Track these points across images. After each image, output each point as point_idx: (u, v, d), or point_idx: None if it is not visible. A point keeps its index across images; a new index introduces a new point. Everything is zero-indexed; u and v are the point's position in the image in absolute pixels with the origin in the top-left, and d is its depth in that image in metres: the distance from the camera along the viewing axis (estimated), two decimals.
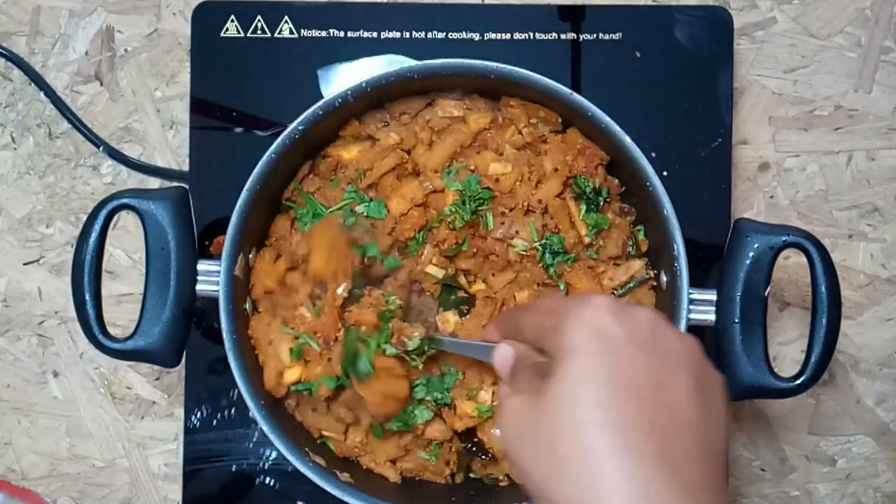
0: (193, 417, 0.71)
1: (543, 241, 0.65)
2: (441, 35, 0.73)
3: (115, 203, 0.61)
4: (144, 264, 0.61)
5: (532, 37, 0.73)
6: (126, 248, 0.76)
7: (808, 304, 0.60)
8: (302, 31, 0.73)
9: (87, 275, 0.59)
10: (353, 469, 0.64)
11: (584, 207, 0.65)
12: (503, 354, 0.51)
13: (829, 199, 0.76)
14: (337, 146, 0.67)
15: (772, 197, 0.76)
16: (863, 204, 0.76)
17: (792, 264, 0.74)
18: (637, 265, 0.66)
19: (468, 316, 0.65)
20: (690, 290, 0.60)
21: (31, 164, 0.77)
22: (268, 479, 0.71)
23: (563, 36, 0.73)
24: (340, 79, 0.72)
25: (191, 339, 0.62)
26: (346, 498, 0.59)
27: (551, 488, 0.39)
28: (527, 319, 0.49)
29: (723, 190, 0.72)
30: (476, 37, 0.73)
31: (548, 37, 0.73)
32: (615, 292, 0.65)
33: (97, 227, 0.60)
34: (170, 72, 0.77)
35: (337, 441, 0.65)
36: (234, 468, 0.71)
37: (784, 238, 0.60)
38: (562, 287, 0.65)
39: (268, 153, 0.61)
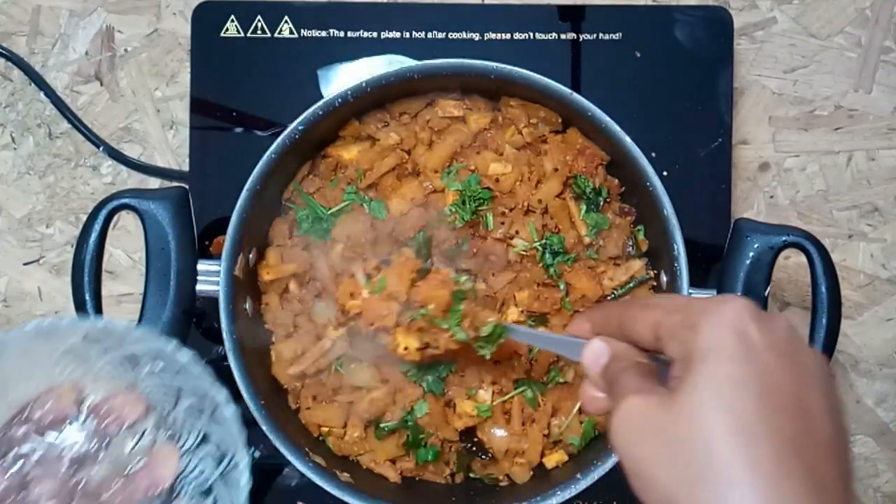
0: None
1: (543, 241, 0.65)
2: (441, 35, 0.73)
3: (115, 203, 0.61)
4: (144, 264, 0.61)
5: (532, 37, 0.73)
6: (126, 248, 0.76)
7: (808, 304, 0.60)
8: (302, 31, 0.73)
9: (87, 275, 0.59)
10: (353, 469, 0.64)
11: (584, 207, 0.65)
12: (597, 351, 0.46)
13: (829, 199, 0.76)
14: (337, 146, 0.67)
15: (772, 197, 0.76)
16: (863, 204, 0.76)
17: (792, 264, 0.74)
18: (637, 265, 0.66)
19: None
20: (690, 290, 0.60)
21: (31, 164, 0.77)
22: (267, 478, 0.71)
23: (563, 36, 0.73)
24: (340, 79, 0.72)
25: (191, 339, 0.62)
26: (346, 498, 0.59)
27: (680, 496, 0.37)
28: (639, 316, 0.45)
29: (723, 190, 0.72)
30: (476, 37, 0.73)
31: (548, 37, 0.73)
32: (615, 292, 0.65)
33: (97, 227, 0.60)
34: (170, 72, 0.77)
35: (336, 439, 0.65)
36: None
37: (784, 238, 0.60)
38: (562, 287, 0.65)
39: (268, 153, 0.61)
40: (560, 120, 0.66)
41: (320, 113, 0.62)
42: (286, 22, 0.73)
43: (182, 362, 0.54)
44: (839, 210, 0.76)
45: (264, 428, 0.60)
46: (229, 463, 0.54)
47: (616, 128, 0.61)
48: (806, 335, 0.59)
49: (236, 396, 0.68)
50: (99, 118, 0.77)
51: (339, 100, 0.62)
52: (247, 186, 0.61)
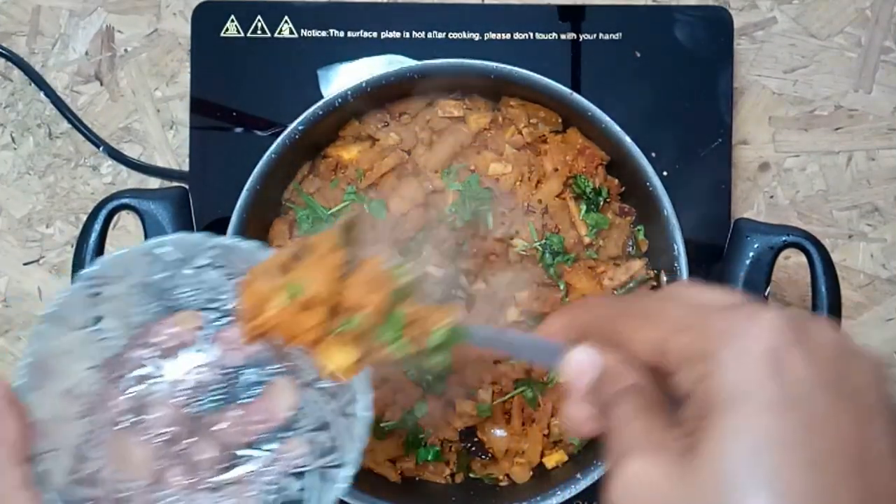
0: None
1: (543, 241, 0.65)
2: (441, 35, 0.73)
3: (115, 203, 0.61)
4: None
5: (532, 37, 0.73)
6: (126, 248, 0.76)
7: (808, 304, 0.60)
8: (302, 31, 0.73)
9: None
10: None
11: (584, 207, 0.65)
12: (583, 363, 0.36)
13: (829, 199, 0.76)
14: (337, 146, 0.67)
15: (772, 197, 0.76)
16: (863, 204, 0.76)
17: (792, 264, 0.74)
18: (637, 265, 0.66)
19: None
20: None
21: (31, 164, 0.77)
22: None
23: (563, 36, 0.73)
24: (340, 79, 0.72)
25: None
26: (346, 498, 0.59)
27: None
28: (638, 328, 0.34)
29: (723, 190, 0.72)
30: (476, 37, 0.73)
31: (548, 37, 0.73)
32: (615, 292, 0.65)
33: (97, 227, 0.60)
34: (170, 72, 0.77)
35: None
36: None
37: (784, 238, 0.60)
38: (562, 287, 0.65)
39: (268, 153, 0.61)
40: (560, 120, 0.66)
41: (320, 113, 0.62)
42: (286, 22, 0.73)
43: None
44: (839, 210, 0.76)
45: None
46: (336, 460, 0.49)
47: (616, 128, 0.61)
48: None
49: None
50: (99, 118, 0.77)
51: (339, 100, 0.62)
52: (247, 186, 0.61)
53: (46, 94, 0.76)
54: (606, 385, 0.36)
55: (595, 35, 0.73)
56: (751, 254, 0.60)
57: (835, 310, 0.59)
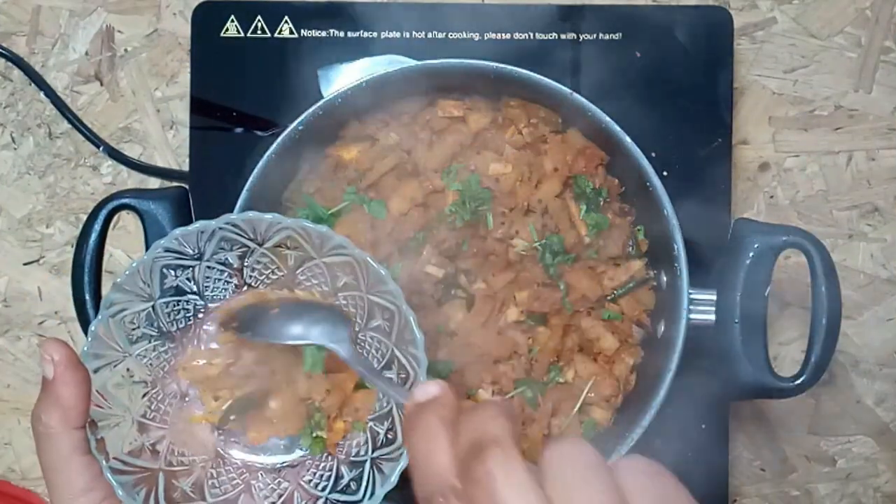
0: None
1: (543, 241, 0.65)
2: (441, 35, 0.73)
3: (115, 203, 0.61)
4: None
5: (532, 37, 0.73)
6: (126, 248, 0.76)
7: (808, 304, 0.60)
8: (302, 31, 0.73)
9: (87, 275, 0.59)
10: None
11: (584, 207, 0.65)
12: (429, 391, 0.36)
13: (829, 199, 0.76)
14: (337, 146, 0.67)
15: (772, 197, 0.76)
16: (863, 204, 0.76)
17: (792, 264, 0.74)
18: (637, 265, 0.66)
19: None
20: (690, 290, 0.60)
21: (31, 164, 0.77)
22: None
23: (563, 36, 0.73)
24: (340, 79, 0.72)
25: None
26: None
27: None
28: (451, 443, 0.33)
29: (723, 190, 0.72)
30: (476, 37, 0.73)
31: (548, 37, 0.73)
32: (615, 292, 0.65)
33: (97, 227, 0.60)
34: (170, 72, 0.77)
35: None
36: None
37: (784, 238, 0.60)
38: (562, 287, 0.65)
39: (268, 153, 0.61)
40: (560, 120, 0.66)
41: (320, 113, 0.62)
42: (286, 22, 0.73)
43: (383, 275, 0.48)
44: (839, 210, 0.76)
45: None
46: (391, 453, 0.48)
47: (616, 128, 0.61)
48: (806, 335, 0.59)
49: None
50: (99, 118, 0.77)
51: (339, 100, 0.62)
52: (247, 186, 0.61)
53: (46, 94, 0.76)
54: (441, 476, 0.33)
55: (595, 35, 0.73)
56: (751, 254, 0.60)
57: (835, 310, 0.58)
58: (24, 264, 0.76)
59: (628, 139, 0.61)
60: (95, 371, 0.46)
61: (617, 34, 0.73)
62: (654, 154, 0.70)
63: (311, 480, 0.50)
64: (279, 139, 0.61)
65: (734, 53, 0.73)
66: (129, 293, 0.48)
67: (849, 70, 0.76)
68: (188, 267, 0.50)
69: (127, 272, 0.48)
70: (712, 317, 0.60)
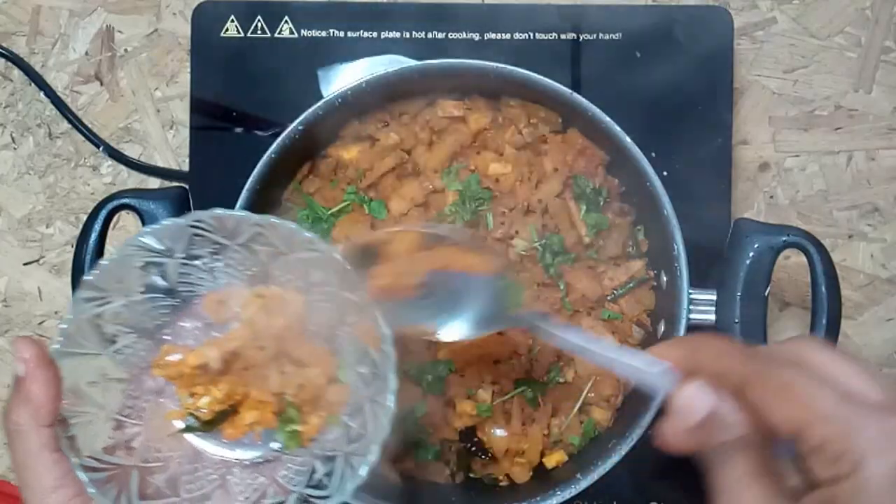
0: None
1: (543, 241, 0.65)
2: (441, 35, 0.73)
3: (115, 203, 0.61)
4: None
5: (532, 37, 0.73)
6: None
7: (808, 304, 0.60)
8: (302, 31, 0.73)
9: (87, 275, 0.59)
10: None
11: (584, 207, 0.65)
12: (696, 400, 0.36)
13: (829, 199, 0.76)
14: (337, 146, 0.67)
15: (772, 197, 0.76)
16: (863, 204, 0.76)
17: (792, 264, 0.74)
18: (637, 265, 0.66)
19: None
20: (690, 290, 0.60)
21: (31, 164, 0.77)
22: None
23: (563, 36, 0.73)
24: (340, 79, 0.72)
25: None
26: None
27: None
28: (779, 402, 0.33)
29: (723, 190, 0.72)
30: (476, 37, 0.73)
31: (548, 37, 0.73)
32: (615, 292, 0.65)
33: (97, 227, 0.60)
34: (170, 72, 0.77)
35: None
36: None
37: (784, 238, 0.60)
38: (562, 287, 0.65)
39: (268, 153, 0.61)
40: (560, 120, 0.66)
41: (320, 113, 0.62)
42: (286, 22, 0.73)
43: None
44: (839, 210, 0.76)
45: None
46: (361, 448, 0.48)
47: (616, 128, 0.61)
48: (806, 335, 0.59)
49: None
50: (99, 118, 0.77)
51: (339, 100, 0.62)
52: (247, 186, 0.61)
53: (46, 94, 0.76)
54: (715, 430, 0.35)
55: (595, 35, 0.73)
56: (751, 254, 0.60)
57: (835, 310, 0.58)
58: (24, 264, 0.76)
59: (628, 139, 0.61)
60: (67, 369, 0.46)
61: (617, 34, 0.73)
62: (654, 154, 0.70)
63: (286, 475, 0.50)
64: (279, 139, 0.61)
65: (734, 53, 0.73)
66: (102, 290, 0.48)
67: (849, 70, 0.76)
68: (160, 264, 0.50)
69: (97, 270, 0.48)
70: (712, 317, 0.61)
